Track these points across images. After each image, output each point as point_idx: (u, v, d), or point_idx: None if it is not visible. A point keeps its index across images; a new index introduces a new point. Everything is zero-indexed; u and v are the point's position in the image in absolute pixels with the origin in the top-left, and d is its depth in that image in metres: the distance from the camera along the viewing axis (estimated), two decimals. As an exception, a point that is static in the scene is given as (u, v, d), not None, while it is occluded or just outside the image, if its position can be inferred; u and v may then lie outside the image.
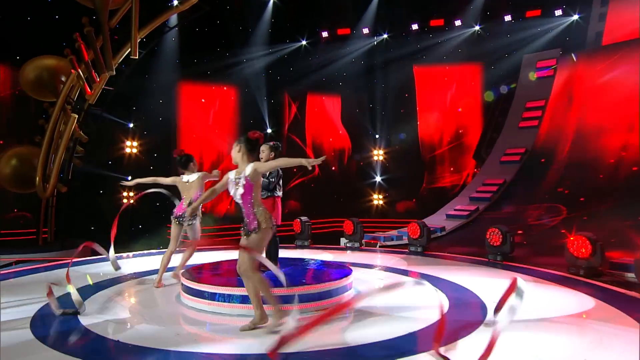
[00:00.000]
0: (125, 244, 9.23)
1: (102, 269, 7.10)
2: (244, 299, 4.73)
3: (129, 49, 9.56)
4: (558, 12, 14.64)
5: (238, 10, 14.77)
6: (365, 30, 15.91)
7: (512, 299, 3.48)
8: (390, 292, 5.21)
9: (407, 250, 8.77)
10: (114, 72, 9.70)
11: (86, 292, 5.52)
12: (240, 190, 4.19)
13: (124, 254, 8.53)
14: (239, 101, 15.09)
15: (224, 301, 4.84)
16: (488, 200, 11.85)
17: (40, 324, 4.43)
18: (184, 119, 14.43)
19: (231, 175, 4.31)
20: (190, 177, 5.99)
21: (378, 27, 15.94)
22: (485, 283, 6.07)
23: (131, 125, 13.49)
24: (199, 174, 6.01)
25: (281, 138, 15.18)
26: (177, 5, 10.80)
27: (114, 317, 4.70)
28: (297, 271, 5.71)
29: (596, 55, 13.02)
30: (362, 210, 14.99)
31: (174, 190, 6.22)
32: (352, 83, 15.95)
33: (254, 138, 4.32)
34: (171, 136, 14.14)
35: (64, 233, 11.03)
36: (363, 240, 9.57)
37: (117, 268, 6.00)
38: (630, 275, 6.31)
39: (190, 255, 6.22)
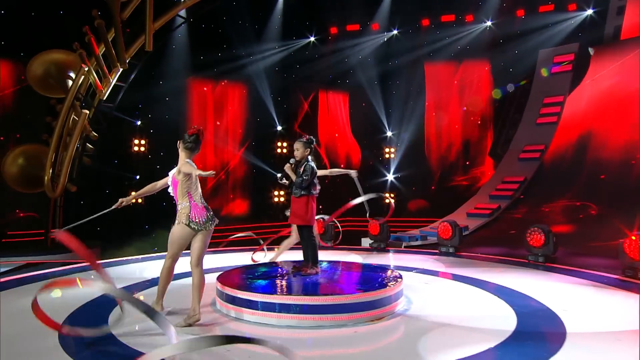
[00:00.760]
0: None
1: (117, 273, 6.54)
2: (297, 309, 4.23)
3: (143, 42, 9.00)
4: (572, 7, 14.27)
5: (246, 6, 14.22)
6: (375, 26, 15.47)
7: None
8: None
9: (437, 251, 8.29)
10: (127, 66, 9.14)
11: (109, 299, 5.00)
12: (170, 186, 4.52)
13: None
14: (248, 98, 14.51)
15: (274, 311, 4.31)
16: (509, 198, 11.39)
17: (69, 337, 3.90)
18: (192, 117, 13.84)
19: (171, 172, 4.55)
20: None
21: (388, 22, 15.47)
22: (539, 287, 5.60)
23: (139, 123, 12.89)
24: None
25: (292, 135, 14.65)
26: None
27: (149, 328, 4.16)
28: (343, 276, 5.20)
29: (615, 50, 12.58)
30: (373, 209, 14.45)
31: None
32: (362, 80, 15.43)
33: (191, 133, 4.50)
34: (179, 135, 13.51)
35: (73, 234, 10.42)
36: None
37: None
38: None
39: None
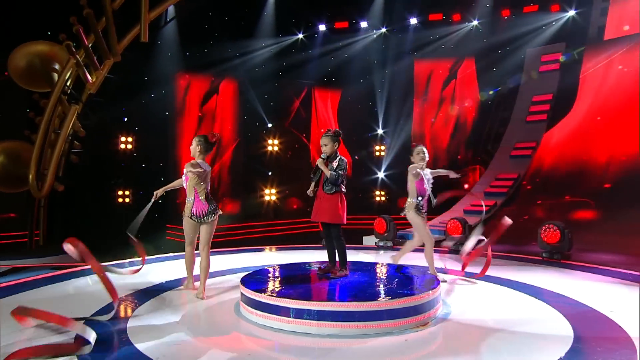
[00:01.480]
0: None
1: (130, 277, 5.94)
2: (333, 316, 3.80)
3: (137, 33, 8.35)
4: (555, 8, 14.29)
5: (235, 1, 13.64)
6: (364, 24, 15.13)
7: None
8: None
9: (445, 249, 8.00)
10: (120, 58, 8.47)
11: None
12: (184, 181, 4.99)
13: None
14: (237, 95, 13.93)
15: (311, 319, 3.87)
16: (504, 195, 11.25)
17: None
18: (180, 114, 13.16)
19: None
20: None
21: (377, 20, 15.17)
22: (568, 285, 5.35)
23: (125, 119, 12.15)
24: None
25: (282, 133, 14.16)
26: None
27: (168, 336, 3.66)
28: (377, 279, 4.79)
29: (599, 50, 12.62)
30: (364, 207, 14.14)
31: None
32: (352, 77, 15.07)
33: (212, 141, 5.01)
34: (168, 132, 12.85)
35: (58, 235, 9.69)
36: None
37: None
38: None
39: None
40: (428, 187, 5.35)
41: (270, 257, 7.88)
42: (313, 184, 4.86)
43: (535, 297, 4.83)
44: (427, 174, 5.40)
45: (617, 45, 12.20)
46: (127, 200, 11.87)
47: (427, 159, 5.40)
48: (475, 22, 14.78)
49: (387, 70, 15.05)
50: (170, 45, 12.56)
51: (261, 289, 4.24)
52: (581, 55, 12.51)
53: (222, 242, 8.72)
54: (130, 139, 12.06)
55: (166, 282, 5.70)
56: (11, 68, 8.89)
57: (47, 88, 8.92)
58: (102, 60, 8.65)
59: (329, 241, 4.86)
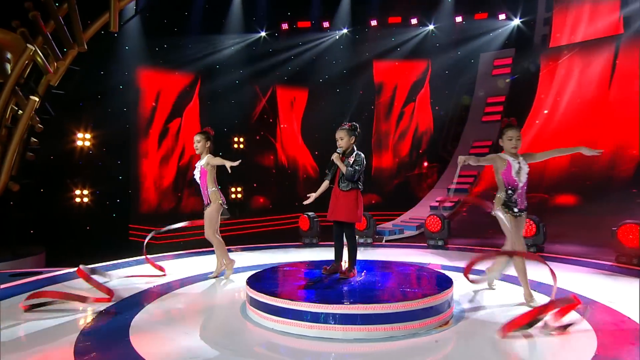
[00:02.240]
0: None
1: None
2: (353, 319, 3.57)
3: (106, 22, 7.62)
4: (502, 16, 14.84)
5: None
6: (326, 24, 15.02)
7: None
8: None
9: (425, 245, 7.99)
10: (85, 48, 7.69)
11: (131, 304, 3.98)
12: (198, 175, 5.52)
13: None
14: (202, 91, 13.25)
15: (335, 323, 3.61)
16: (466, 192, 11.51)
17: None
18: (141, 111, 12.33)
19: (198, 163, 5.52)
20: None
21: (338, 21, 15.10)
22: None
23: (82, 115, 11.17)
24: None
25: (247, 130, 13.68)
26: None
27: (173, 342, 3.27)
28: (390, 278, 4.59)
29: (546, 56, 13.25)
30: (322, 205, 13.96)
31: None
32: (317, 77, 14.87)
33: (212, 134, 5.49)
34: (130, 129, 12.00)
35: (13, 238, 8.73)
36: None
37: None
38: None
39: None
40: (521, 177, 4.27)
41: (253, 258, 7.48)
42: (313, 194, 4.64)
43: (534, 290, 4.84)
44: (521, 162, 4.29)
45: (565, 51, 12.84)
46: (85, 200, 10.94)
47: (518, 146, 4.29)
48: (431, 27, 15.07)
49: (349, 70, 14.99)
50: (130, 38, 11.73)
51: (274, 292, 3.92)
52: (536, 63, 13.05)
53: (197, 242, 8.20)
54: (88, 136, 11.11)
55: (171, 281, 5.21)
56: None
57: (-1, 79, 7.94)
58: (65, 50, 7.82)
59: (339, 240, 4.62)
